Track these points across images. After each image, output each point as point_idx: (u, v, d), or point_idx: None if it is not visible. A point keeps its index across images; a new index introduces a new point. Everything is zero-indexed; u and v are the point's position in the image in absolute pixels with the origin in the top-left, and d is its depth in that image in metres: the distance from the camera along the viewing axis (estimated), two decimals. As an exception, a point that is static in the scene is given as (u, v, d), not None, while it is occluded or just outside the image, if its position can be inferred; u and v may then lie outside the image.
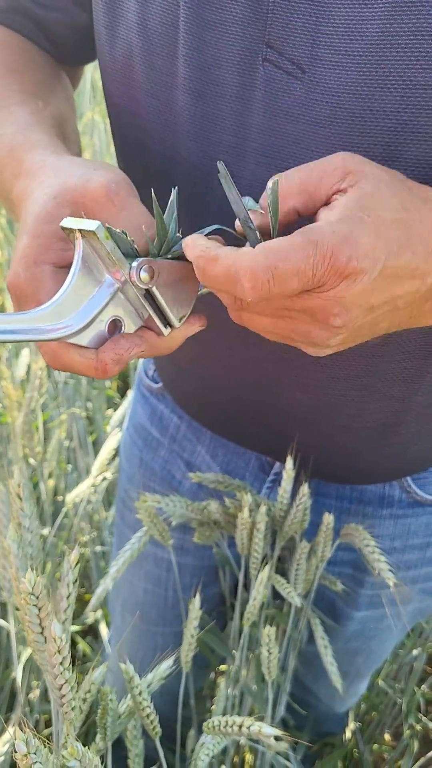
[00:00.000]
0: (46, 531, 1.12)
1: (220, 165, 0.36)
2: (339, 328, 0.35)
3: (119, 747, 0.61)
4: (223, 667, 0.93)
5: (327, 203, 0.36)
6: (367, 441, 0.58)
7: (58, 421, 1.22)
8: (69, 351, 0.38)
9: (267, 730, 0.49)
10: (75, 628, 1.22)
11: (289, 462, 0.60)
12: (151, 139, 0.48)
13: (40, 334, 0.36)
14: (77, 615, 1.27)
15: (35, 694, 1.08)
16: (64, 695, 0.41)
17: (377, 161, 0.40)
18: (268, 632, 0.61)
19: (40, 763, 0.36)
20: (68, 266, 0.39)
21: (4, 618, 1.01)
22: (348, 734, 1.16)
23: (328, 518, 0.62)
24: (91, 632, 1.35)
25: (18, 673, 0.82)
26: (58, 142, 0.46)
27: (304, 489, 0.60)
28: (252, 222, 0.37)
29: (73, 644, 1.25)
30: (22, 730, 0.35)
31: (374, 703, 1.19)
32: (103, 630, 1.20)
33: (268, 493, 0.68)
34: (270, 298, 0.33)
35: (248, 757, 0.99)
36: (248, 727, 0.50)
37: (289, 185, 0.36)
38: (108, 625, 1.19)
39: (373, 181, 0.35)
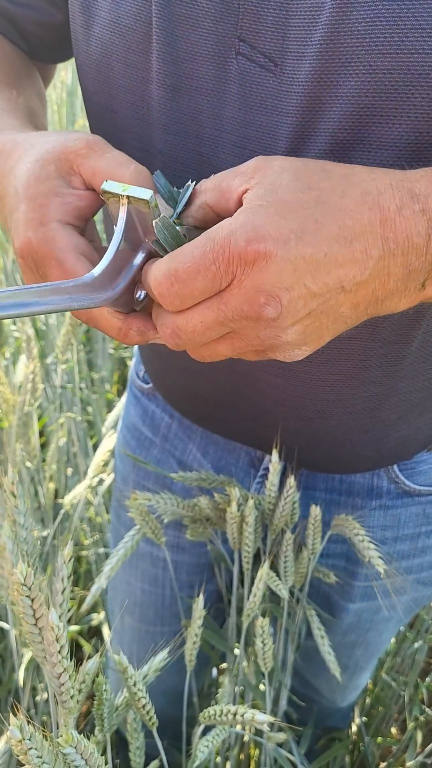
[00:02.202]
0: (46, 533, 1.13)
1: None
2: (276, 319, 0.34)
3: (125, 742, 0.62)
4: (225, 665, 0.94)
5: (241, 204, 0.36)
6: (348, 426, 0.58)
7: (56, 425, 1.23)
8: (102, 308, 0.39)
9: (260, 717, 0.50)
10: (76, 628, 1.23)
11: (275, 454, 0.61)
12: (128, 134, 0.49)
13: (89, 301, 0.36)
14: (81, 617, 1.28)
15: (42, 696, 1.08)
16: (62, 683, 0.42)
17: (344, 146, 0.41)
18: (261, 624, 0.62)
19: (35, 749, 0.38)
20: (72, 222, 0.40)
21: (6, 621, 1.02)
22: (354, 728, 1.16)
23: (315, 510, 0.63)
24: (97, 634, 1.36)
25: (20, 674, 0.83)
26: (31, 128, 0.48)
27: (291, 481, 0.61)
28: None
29: (78, 647, 1.26)
30: (16, 717, 0.37)
31: (379, 696, 1.20)
32: (107, 632, 1.21)
33: (258, 488, 0.69)
34: (182, 300, 0.34)
35: (254, 752, 1.00)
36: (242, 715, 0.52)
37: (204, 183, 0.37)
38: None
39: (276, 171, 0.35)
